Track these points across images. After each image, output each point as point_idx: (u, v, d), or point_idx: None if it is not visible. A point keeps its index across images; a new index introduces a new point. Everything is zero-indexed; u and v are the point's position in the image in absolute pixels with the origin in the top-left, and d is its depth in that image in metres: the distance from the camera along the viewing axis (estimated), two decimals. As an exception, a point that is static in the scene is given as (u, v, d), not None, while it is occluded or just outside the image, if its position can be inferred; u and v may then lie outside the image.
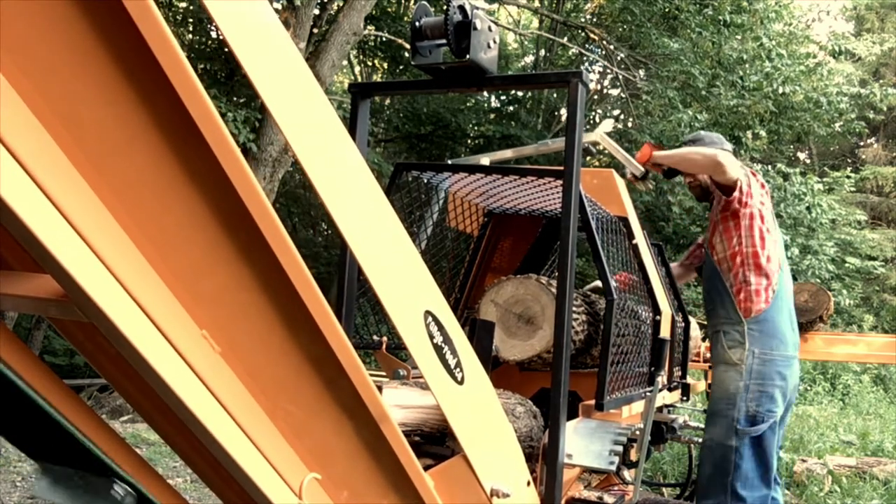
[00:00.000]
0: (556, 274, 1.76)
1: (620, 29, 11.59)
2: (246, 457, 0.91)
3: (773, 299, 2.93)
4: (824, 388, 10.76)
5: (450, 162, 2.48)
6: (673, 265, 3.64)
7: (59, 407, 1.08)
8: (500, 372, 2.50)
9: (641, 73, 11.36)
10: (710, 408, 2.98)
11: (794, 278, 9.19)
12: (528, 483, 1.58)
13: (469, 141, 13.48)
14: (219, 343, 0.88)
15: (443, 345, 1.22)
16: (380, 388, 1.50)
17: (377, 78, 13.70)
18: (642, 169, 2.87)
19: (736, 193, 2.89)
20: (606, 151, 2.81)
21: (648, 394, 2.16)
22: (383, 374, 2.07)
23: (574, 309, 2.06)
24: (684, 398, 3.05)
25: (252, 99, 7.85)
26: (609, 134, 2.86)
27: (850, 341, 4.72)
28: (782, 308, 2.98)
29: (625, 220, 2.39)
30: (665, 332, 2.42)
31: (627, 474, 1.96)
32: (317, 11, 8.22)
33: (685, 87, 10.48)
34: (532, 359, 2.13)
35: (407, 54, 10.85)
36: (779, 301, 2.96)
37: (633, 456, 1.98)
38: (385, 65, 13.28)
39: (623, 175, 2.86)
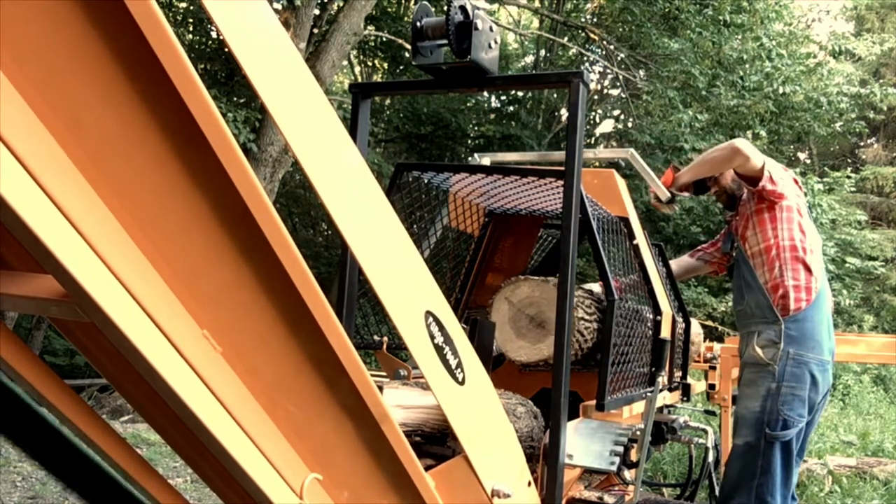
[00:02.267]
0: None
1: (620, 29, 11.59)
2: (247, 457, 0.91)
3: (814, 298, 2.78)
4: (824, 388, 10.74)
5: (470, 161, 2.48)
6: (683, 257, 3.60)
7: (59, 407, 1.08)
8: (501, 372, 2.50)
9: (641, 73, 11.36)
10: (738, 411, 2.88)
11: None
12: (529, 483, 1.58)
13: (469, 141, 13.49)
14: (220, 343, 0.88)
15: (444, 345, 1.22)
16: (380, 389, 1.50)
17: (377, 78, 13.71)
18: (668, 194, 2.82)
19: (764, 182, 2.76)
20: (601, 158, 2.80)
21: (649, 394, 2.16)
22: (384, 374, 2.07)
23: (587, 315, 2.06)
24: (685, 398, 3.04)
25: (252, 99, 7.86)
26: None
27: (850, 341, 4.71)
28: (822, 308, 2.83)
29: (625, 221, 2.39)
30: (665, 333, 2.42)
31: (628, 474, 1.96)
32: (317, 11, 8.22)
33: (685, 87, 10.48)
34: (538, 363, 2.13)
35: (407, 54, 10.85)
36: (819, 301, 2.81)
37: (634, 456, 1.98)
38: (385, 65, 13.29)
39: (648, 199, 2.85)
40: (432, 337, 1.19)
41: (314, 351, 0.95)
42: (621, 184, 2.51)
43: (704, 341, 4.20)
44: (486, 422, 1.41)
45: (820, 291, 2.81)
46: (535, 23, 14.70)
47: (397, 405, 1.56)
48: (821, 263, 2.89)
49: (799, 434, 2.76)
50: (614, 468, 1.84)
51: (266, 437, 0.95)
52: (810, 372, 2.74)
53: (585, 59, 13.07)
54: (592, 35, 11.76)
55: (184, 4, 8.93)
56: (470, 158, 3.00)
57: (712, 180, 3.11)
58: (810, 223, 2.94)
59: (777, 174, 2.82)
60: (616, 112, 14.79)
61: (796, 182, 2.95)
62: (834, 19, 19.41)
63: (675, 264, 3.48)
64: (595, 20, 12.90)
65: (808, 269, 2.80)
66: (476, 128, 13.46)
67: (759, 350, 2.78)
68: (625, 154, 2.70)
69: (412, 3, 12.33)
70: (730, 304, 8.99)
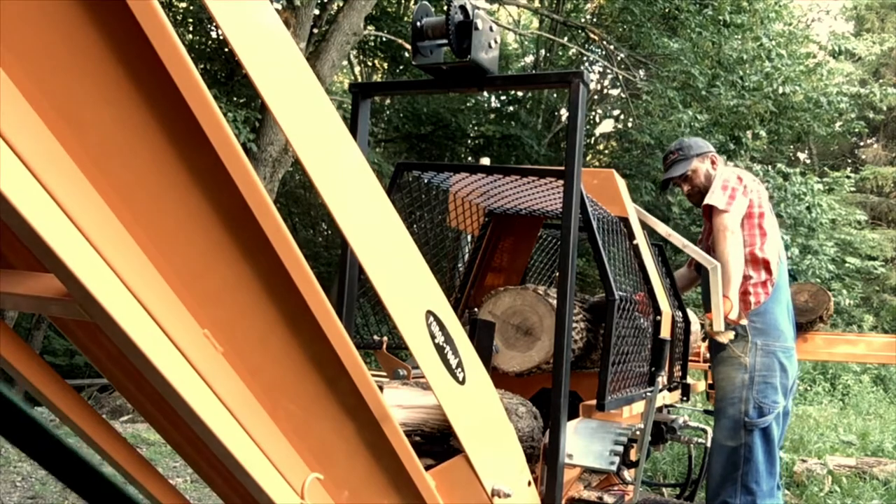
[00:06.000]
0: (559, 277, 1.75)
1: (620, 29, 11.58)
2: (248, 457, 0.91)
3: (772, 291, 2.97)
4: (824, 388, 10.75)
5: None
6: (680, 271, 3.65)
7: (60, 406, 1.08)
8: (500, 373, 2.50)
9: (641, 73, 11.35)
10: (716, 406, 3.01)
11: (794, 278, 9.15)
12: (529, 483, 1.58)
13: (469, 141, 13.49)
14: (221, 343, 0.88)
15: (444, 345, 1.22)
16: (381, 388, 1.50)
17: (377, 78, 13.70)
18: (721, 327, 2.80)
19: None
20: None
21: (649, 394, 2.16)
22: (384, 373, 2.07)
23: (573, 317, 2.06)
24: (684, 398, 3.05)
25: (252, 99, 7.86)
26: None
27: (850, 341, 4.71)
28: (781, 300, 3.01)
29: (625, 221, 2.39)
30: (665, 333, 2.42)
31: (627, 474, 1.96)
32: (317, 11, 8.22)
33: (685, 87, 10.47)
34: (531, 370, 2.13)
35: (407, 54, 10.84)
36: (778, 293, 2.99)
37: (634, 456, 1.98)
38: (385, 65, 13.28)
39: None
40: (433, 336, 1.19)
41: (315, 351, 0.95)
42: (621, 184, 2.51)
43: (704, 340, 4.20)
44: (487, 421, 1.41)
45: (777, 284, 2.99)
46: (535, 23, 14.69)
47: (397, 405, 1.56)
48: (777, 257, 3.02)
49: (777, 420, 2.89)
50: (614, 468, 1.84)
51: (267, 437, 0.95)
52: (778, 360, 2.92)
53: (585, 59, 13.07)
54: (592, 35, 11.76)
55: (184, 4, 8.93)
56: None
57: (684, 177, 3.20)
58: (770, 216, 3.06)
59: (739, 193, 2.95)
60: (616, 112, 14.79)
61: (755, 186, 3.05)
62: (834, 19, 19.38)
63: (677, 277, 3.53)
64: (595, 20, 12.89)
65: (767, 270, 2.97)
66: (476, 128, 13.46)
67: (730, 346, 2.93)
68: (709, 266, 2.70)
69: (412, 3, 12.33)
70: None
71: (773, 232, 3.04)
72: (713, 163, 3.21)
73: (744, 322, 2.89)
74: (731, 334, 2.86)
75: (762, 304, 2.95)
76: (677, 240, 2.80)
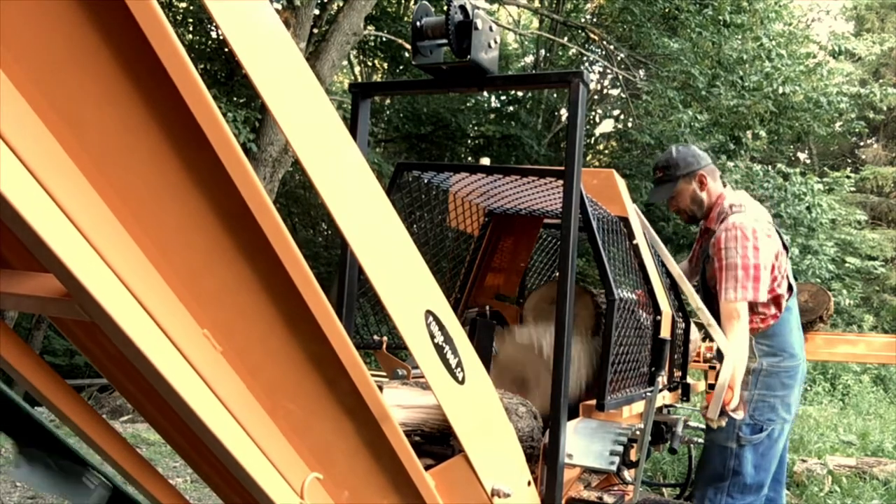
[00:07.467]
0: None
1: (620, 29, 11.59)
2: (248, 456, 0.91)
3: (782, 314, 2.90)
4: (824, 388, 10.75)
5: None
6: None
7: (60, 406, 1.08)
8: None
9: (641, 73, 11.36)
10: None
11: (795, 278, 9.17)
12: (529, 483, 1.58)
13: (469, 141, 13.49)
14: (220, 342, 0.88)
15: (444, 344, 1.22)
16: (380, 388, 1.50)
17: (377, 78, 13.71)
18: (716, 415, 2.74)
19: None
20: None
21: (649, 394, 2.16)
22: (384, 373, 2.07)
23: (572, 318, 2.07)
24: (684, 398, 3.05)
25: (252, 99, 7.86)
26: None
27: (850, 341, 4.71)
28: (790, 319, 2.94)
29: (625, 221, 2.39)
30: (665, 333, 2.42)
31: (627, 474, 1.96)
32: (317, 11, 8.23)
33: (685, 87, 10.47)
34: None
35: (407, 54, 10.84)
36: (786, 313, 2.92)
37: (634, 456, 1.98)
38: (385, 65, 13.29)
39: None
40: (432, 336, 1.19)
41: (314, 350, 0.95)
42: (621, 184, 2.51)
43: (704, 341, 4.20)
44: (486, 421, 1.41)
45: (786, 307, 2.91)
46: (535, 23, 14.69)
47: (397, 405, 1.56)
48: (784, 275, 2.92)
49: (771, 434, 2.87)
50: (614, 468, 1.84)
51: (267, 437, 0.95)
52: (781, 381, 2.88)
53: (585, 59, 13.07)
54: (592, 35, 11.76)
55: (184, 4, 8.93)
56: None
57: (672, 200, 3.04)
58: (781, 251, 2.91)
59: (763, 270, 2.74)
60: (616, 112, 14.79)
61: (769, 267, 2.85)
62: (834, 19, 19.38)
63: None
64: (595, 20, 12.89)
65: (777, 305, 2.89)
66: (476, 128, 13.46)
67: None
68: (724, 350, 2.63)
69: (412, 3, 12.33)
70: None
71: (783, 267, 2.90)
72: (702, 183, 2.95)
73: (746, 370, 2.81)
74: (724, 421, 2.74)
75: (771, 328, 2.89)
76: (704, 315, 2.62)
